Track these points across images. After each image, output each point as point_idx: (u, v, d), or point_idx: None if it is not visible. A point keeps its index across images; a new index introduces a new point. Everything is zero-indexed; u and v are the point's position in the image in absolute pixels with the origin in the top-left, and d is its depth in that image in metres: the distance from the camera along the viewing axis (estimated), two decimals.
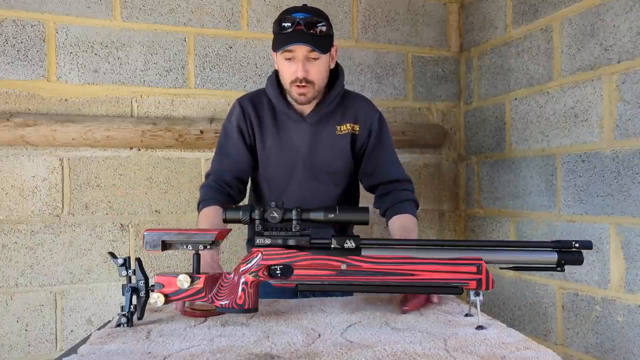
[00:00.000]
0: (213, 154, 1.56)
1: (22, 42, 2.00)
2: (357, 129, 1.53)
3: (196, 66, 2.22)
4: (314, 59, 1.38)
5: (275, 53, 1.44)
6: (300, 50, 1.36)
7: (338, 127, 1.52)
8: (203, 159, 2.20)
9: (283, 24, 1.37)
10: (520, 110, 2.24)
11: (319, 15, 1.39)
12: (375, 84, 2.48)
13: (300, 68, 1.38)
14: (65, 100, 2.06)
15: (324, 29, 1.38)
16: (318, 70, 1.40)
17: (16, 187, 1.99)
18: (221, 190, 1.48)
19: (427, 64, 2.59)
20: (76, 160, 2.07)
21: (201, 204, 1.47)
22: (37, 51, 2.02)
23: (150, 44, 2.16)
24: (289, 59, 1.39)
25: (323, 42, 1.38)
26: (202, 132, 2.13)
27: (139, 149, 2.14)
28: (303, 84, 1.39)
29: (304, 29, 1.35)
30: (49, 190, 2.03)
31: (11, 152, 1.99)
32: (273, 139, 1.50)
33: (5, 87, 1.99)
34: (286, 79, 1.42)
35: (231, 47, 2.26)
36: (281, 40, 1.37)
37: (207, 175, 1.53)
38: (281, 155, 1.51)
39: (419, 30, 2.57)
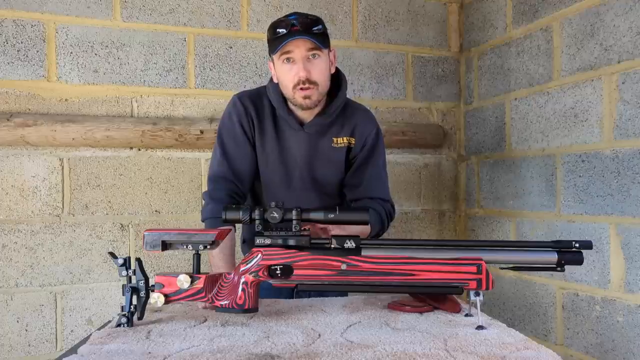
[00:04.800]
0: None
1: (22, 42, 2.00)
2: (353, 142, 1.50)
3: (196, 66, 2.22)
4: (314, 58, 1.35)
5: (272, 62, 1.40)
6: (299, 49, 1.32)
7: (335, 140, 1.48)
8: (203, 159, 2.20)
9: (277, 29, 1.33)
10: (520, 110, 2.24)
11: (314, 17, 1.36)
12: (375, 84, 2.49)
13: (301, 68, 1.33)
14: (65, 100, 2.06)
15: (320, 28, 1.35)
16: (320, 69, 1.36)
17: (16, 187, 1.99)
18: (230, 197, 1.41)
19: (427, 64, 2.59)
20: (76, 160, 2.07)
21: (207, 222, 1.39)
22: (37, 51, 2.02)
23: (150, 44, 2.16)
24: (288, 60, 1.35)
25: (321, 39, 1.34)
26: (202, 132, 2.13)
27: (139, 149, 2.14)
28: (307, 85, 1.34)
29: (300, 28, 1.31)
30: (49, 190, 2.03)
31: (11, 152, 1.99)
32: (272, 144, 1.47)
33: (5, 87, 1.99)
34: (288, 84, 1.37)
35: (231, 47, 2.26)
36: (277, 42, 1.33)
37: (213, 180, 1.45)
38: (279, 162, 1.48)
39: (419, 30, 2.57)
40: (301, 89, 1.35)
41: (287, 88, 1.38)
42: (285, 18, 1.34)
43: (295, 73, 1.34)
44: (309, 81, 1.34)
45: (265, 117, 1.47)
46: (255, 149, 1.49)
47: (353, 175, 1.52)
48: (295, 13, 1.37)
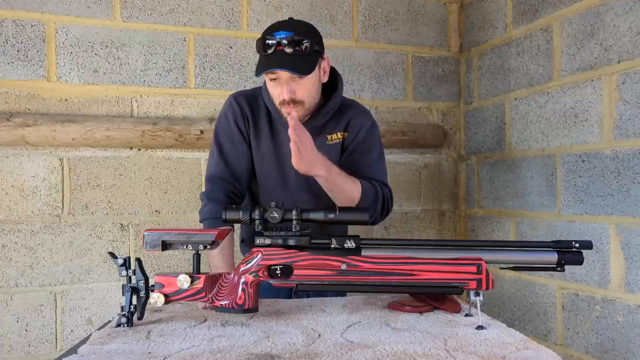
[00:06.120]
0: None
1: (22, 42, 2.00)
2: (346, 135, 1.49)
3: (196, 66, 2.22)
4: (300, 77, 1.34)
5: None
6: (283, 71, 1.32)
7: (329, 137, 1.48)
8: (203, 159, 2.20)
9: (266, 42, 1.32)
10: (520, 110, 2.24)
11: (303, 32, 1.34)
12: (375, 84, 2.48)
13: (285, 90, 1.33)
14: (65, 100, 2.06)
15: (308, 45, 1.32)
16: (305, 89, 1.36)
17: (16, 187, 1.99)
18: (228, 198, 1.42)
19: (427, 64, 2.59)
20: (76, 160, 2.07)
21: (206, 222, 1.41)
22: (37, 51, 2.02)
23: (150, 44, 2.16)
24: (274, 79, 1.35)
25: (306, 62, 1.33)
26: (202, 132, 2.13)
27: (139, 149, 2.14)
28: (291, 105, 1.35)
29: (286, 48, 1.30)
30: (49, 190, 2.03)
31: (11, 152, 1.99)
32: (267, 145, 1.47)
33: (5, 87, 1.99)
34: (274, 100, 1.39)
35: (231, 47, 2.26)
36: (263, 63, 1.33)
37: (210, 180, 1.46)
38: (275, 162, 1.48)
39: (419, 30, 2.57)
40: (286, 106, 1.36)
41: (275, 103, 1.41)
42: (272, 35, 1.32)
43: (279, 93, 1.35)
44: (294, 101, 1.35)
45: (260, 117, 1.48)
46: (251, 148, 1.49)
47: (345, 164, 1.46)
48: (286, 27, 1.34)
